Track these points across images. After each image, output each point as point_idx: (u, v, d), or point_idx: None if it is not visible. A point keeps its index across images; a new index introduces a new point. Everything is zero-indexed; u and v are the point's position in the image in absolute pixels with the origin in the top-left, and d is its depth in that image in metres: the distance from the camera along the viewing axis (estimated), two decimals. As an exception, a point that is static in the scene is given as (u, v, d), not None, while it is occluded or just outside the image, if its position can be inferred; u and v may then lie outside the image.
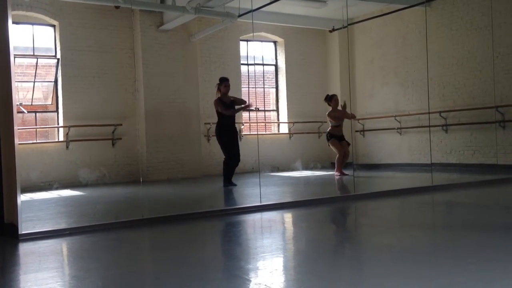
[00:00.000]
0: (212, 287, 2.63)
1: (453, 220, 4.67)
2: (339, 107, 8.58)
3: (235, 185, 7.20)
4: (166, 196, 7.20)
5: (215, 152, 9.67)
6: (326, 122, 10.80)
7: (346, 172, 8.49)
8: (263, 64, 11.13)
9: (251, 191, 6.98)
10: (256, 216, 4.95)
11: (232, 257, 3.38)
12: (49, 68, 9.00)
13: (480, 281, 2.49)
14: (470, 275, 2.59)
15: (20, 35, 8.76)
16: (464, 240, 3.49)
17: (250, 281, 2.73)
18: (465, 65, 8.98)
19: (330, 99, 8.72)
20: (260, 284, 2.64)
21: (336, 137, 8.58)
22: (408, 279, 2.59)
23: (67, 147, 8.70)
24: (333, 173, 8.47)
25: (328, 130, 8.71)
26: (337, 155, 8.50)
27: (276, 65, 11.25)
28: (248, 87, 10.75)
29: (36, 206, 6.20)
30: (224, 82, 7.30)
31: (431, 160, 8.23)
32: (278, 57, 11.24)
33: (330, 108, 8.65)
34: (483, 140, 8.65)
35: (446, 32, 9.26)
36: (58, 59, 8.86)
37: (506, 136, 8.26)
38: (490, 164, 8.37)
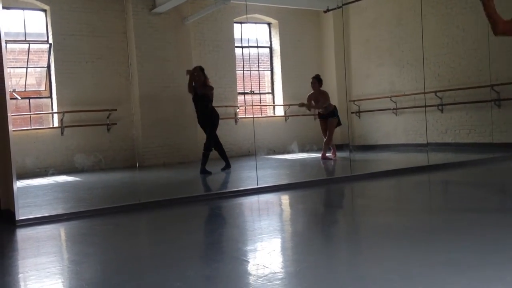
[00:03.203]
0: (211, 269, 2.64)
1: (449, 199, 4.70)
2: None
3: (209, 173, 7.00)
4: (162, 180, 7.21)
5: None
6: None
7: (330, 155, 8.47)
8: (257, 47, 11.05)
9: (247, 174, 7.00)
10: (253, 198, 4.97)
11: (230, 239, 3.39)
12: (41, 54, 8.90)
13: (475, 258, 2.51)
14: (465, 252, 2.61)
15: (11, 20, 8.64)
16: (460, 218, 3.51)
17: (249, 262, 2.74)
18: (460, 44, 8.94)
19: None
20: (258, 265, 2.66)
21: (322, 116, 8.42)
22: (405, 258, 2.61)
23: (62, 133, 8.66)
24: (328, 155, 8.45)
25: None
26: (325, 139, 8.36)
27: (270, 47, 11.18)
28: (243, 70, 10.69)
29: (33, 192, 6.19)
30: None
31: (427, 140, 8.25)
32: (272, 39, 11.16)
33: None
34: (478, 119, 8.67)
35: (441, 10, 9.20)
36: (50, 44, 8.76)
37: (502, 115, 8.27)
38: (485, 143, 8.40)
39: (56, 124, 8.76)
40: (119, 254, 3.12)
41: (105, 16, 9.10)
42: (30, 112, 8.78)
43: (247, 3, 7.83)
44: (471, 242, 2.81)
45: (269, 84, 11.22)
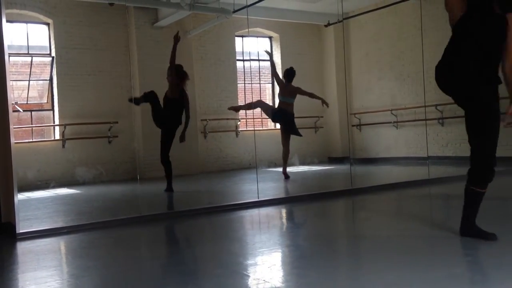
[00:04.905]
0: (211, 283, 2.63)
1: (450, 213, 4.69)
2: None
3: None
4: (163, 193, 7.20)
5: (212, 149, 9.67)
6: (322, 117, 10.86)
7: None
8: (258, 60, 11.12)
9: (248, 187, 6.99)
10: (254, 211, 4.96)
11: (231, 253, 3.38)
12: (44, 67, 8.96)
13: (477, 273, 2.50)
14: (467, 267, 2.60)
15: (15, 34, 8.71)
16: (461, 232, 3.50)
17: (249, 276, 2.73)
18: (461, 58, 8.97)
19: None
20: (258, 279, 2.65)
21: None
22: (406, 272, 2.60)
23: (63, 145, 8.67)
24: (328, 167, 8.42)
25: None
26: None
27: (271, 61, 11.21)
28: (244, 83, 10.74)
29: (34, 205, 6.19)
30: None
31: (428, 153, 8.24)
32: (273, 53, 11.21)
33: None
34: (479, 133, 8.66)
35: (441, 25, 9.20)
36: (53, 57, 8.83)
37: (502, 129, 8.25)
38: (486, 157, 8.38)
39: (57, 137, 8.79)
40: (119, 268, 3.11)
41: (107, 30, 9.17)
42: (32, 124, 8.81)
43: (248, 17, 7.89)
44: (473, 256, 2.80)
45: (270, 97, 11.25)
